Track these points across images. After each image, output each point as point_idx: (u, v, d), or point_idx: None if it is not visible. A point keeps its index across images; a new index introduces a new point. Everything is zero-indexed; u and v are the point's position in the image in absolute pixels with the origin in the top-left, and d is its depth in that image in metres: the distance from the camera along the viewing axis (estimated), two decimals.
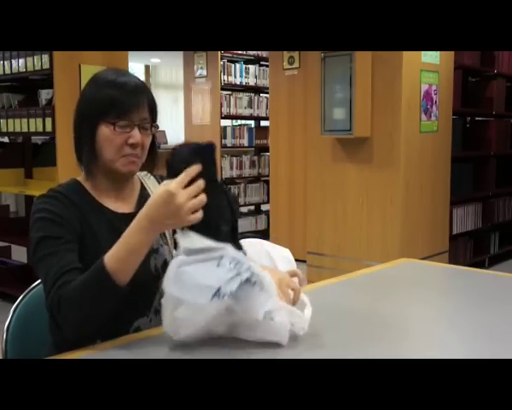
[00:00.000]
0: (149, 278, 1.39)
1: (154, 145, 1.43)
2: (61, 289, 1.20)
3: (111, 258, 1.17)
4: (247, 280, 1.12)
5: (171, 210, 1.13)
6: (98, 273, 1.17)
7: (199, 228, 1.16)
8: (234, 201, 1.33)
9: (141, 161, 1.38)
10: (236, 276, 1.11)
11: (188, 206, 1.12)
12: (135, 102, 1.34)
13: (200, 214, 1.14)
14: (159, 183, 1.51)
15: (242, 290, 1.12)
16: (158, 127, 1.41)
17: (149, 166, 1.46)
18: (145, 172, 1.51)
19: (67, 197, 1.35)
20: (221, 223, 1.22)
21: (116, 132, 1.32)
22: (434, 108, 4.31)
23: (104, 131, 1.33)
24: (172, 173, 1.15)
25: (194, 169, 1.13)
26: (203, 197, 1.14)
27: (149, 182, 1.51)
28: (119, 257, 1.17)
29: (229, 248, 1.15)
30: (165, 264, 1.43)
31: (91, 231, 1.34)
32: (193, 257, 1.14)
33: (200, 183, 1.14)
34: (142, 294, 1.37)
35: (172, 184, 1.12)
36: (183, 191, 1.12)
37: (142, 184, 1.50)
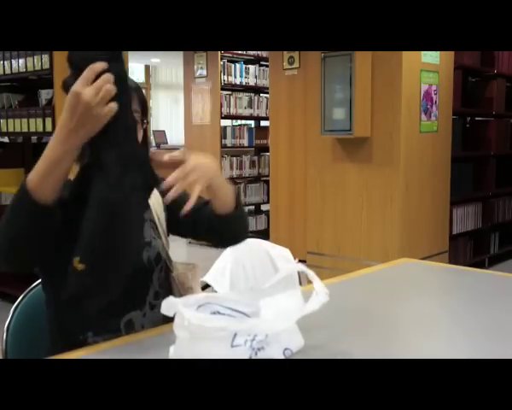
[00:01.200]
0: (142, 270, 1.39)
1: (145, 142, 1.43)
2: None
3: (32, 175, 1.11)
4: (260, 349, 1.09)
5: (80, 112, 1.05)
6: (21, 192, 1.11)
7: (111, 131, 1.08)
8: (144, 100, 1.23)
9: None
10: (252, 352, 1.07)
11: (96, 101, 1.04)
12: None
13: (114, 105, 1.06)
14: None
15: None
16: (148, 123, 1.41)
17: None
18: None
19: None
20: (132, 126, 1.15)
21: None
22: (434, 108, 4.31)
23: None
24: (75, 72, 1.07)
25: (100, 65, 1.06)
26: (110, 87, 1.05)
27: None
28: (39, 173, 1.10)
29: (245, 322, 1.09)
30: (159, 257, 1.43)
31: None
32: (204, 330, 1.05)
33: (108, 76, 1.06)
34: (135, 286, 1.36)
35: (76, 84, 1.05)
36: (88, 88, 1.04)
37: None
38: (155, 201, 1.48)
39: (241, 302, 1.15)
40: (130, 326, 1.36)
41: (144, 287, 1.40)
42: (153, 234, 1.44)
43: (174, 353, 1.09)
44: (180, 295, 1.45)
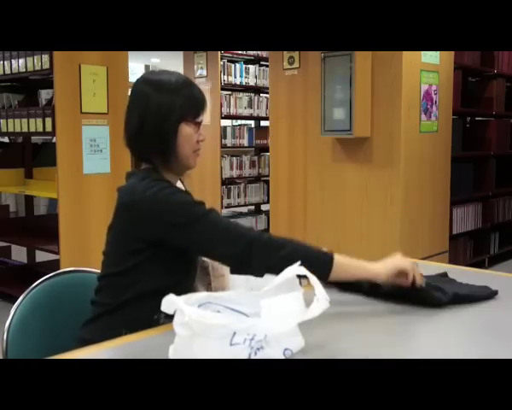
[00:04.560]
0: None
1: None
2: (261, 236, 1.45)
3: (341, 260, 1.40)
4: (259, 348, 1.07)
5: (400, 258, 1.45)
6: (324, 255, 1.40)
7: None
8: None
9: None
10: (251, 351, 1.06)
11: (412, 269, 1.43)
12: (205, 100, 1.47)
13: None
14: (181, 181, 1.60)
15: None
16: None
17: None
18: None
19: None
20: None
21: (195, 130, 1.43)
22: (434, 108, 4.31)
23: (186, 129, 1.42)
24: None
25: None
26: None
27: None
28: (345, 268, 1.41)
29: (245, 321, 1.09)
30: None
31: None
32: (205, 327, 1.05)
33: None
34: (193, 280, 1.53)
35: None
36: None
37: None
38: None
39: (242, 303, 1.15)
40: None
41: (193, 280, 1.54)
42: None
43: (173, 350, 1.09)
44: (209, 282, 1.60)
